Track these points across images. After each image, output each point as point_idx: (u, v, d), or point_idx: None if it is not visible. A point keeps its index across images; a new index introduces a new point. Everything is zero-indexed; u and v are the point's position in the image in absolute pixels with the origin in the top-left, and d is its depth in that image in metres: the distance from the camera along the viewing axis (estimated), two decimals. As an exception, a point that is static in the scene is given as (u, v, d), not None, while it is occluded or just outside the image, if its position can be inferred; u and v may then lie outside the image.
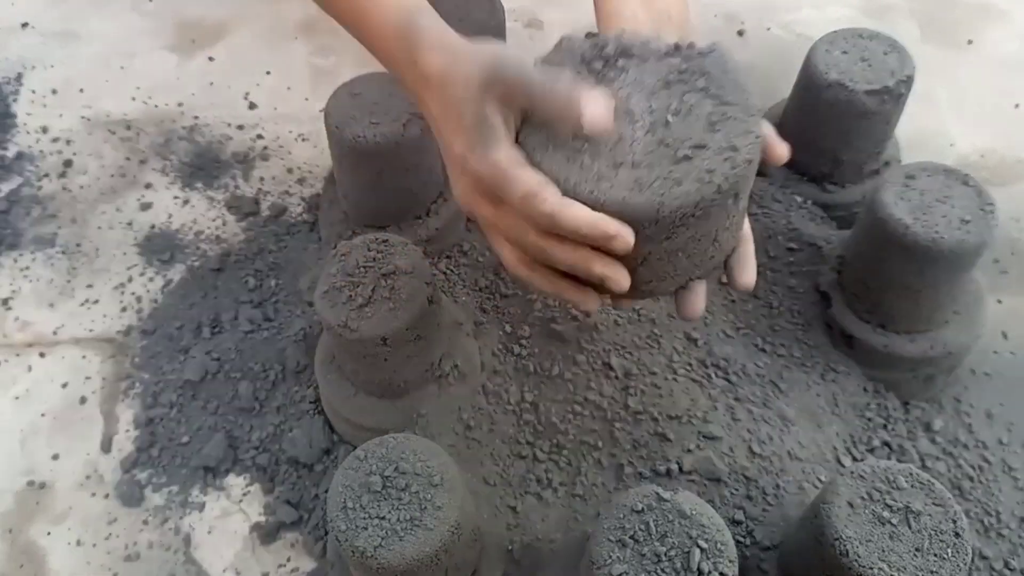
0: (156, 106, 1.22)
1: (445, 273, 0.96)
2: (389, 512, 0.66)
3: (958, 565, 0.64)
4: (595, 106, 0.53)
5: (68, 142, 1.18)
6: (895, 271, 0.82)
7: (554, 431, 0.84)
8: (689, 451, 0.83)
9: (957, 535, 0.65)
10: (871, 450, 0.86)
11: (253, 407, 0.93)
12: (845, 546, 0.65)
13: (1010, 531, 0.82)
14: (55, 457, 0.92)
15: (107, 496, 0.89)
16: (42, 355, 0.99)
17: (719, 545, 0.64)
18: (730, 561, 0.63)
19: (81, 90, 1.23)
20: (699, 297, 0.61)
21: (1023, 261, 1.04)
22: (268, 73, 1.25)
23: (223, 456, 0.90)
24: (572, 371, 0.87)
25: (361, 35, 0.62)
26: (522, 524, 0.80)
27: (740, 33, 1.29)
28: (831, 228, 0.99)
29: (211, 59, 1.27)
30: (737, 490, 0.81)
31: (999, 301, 0.99)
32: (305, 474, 0.88)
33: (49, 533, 0.87)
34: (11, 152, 1.16)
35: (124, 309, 1.02)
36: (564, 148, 0.55)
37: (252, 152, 1.16)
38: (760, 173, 1.05)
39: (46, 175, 1.14)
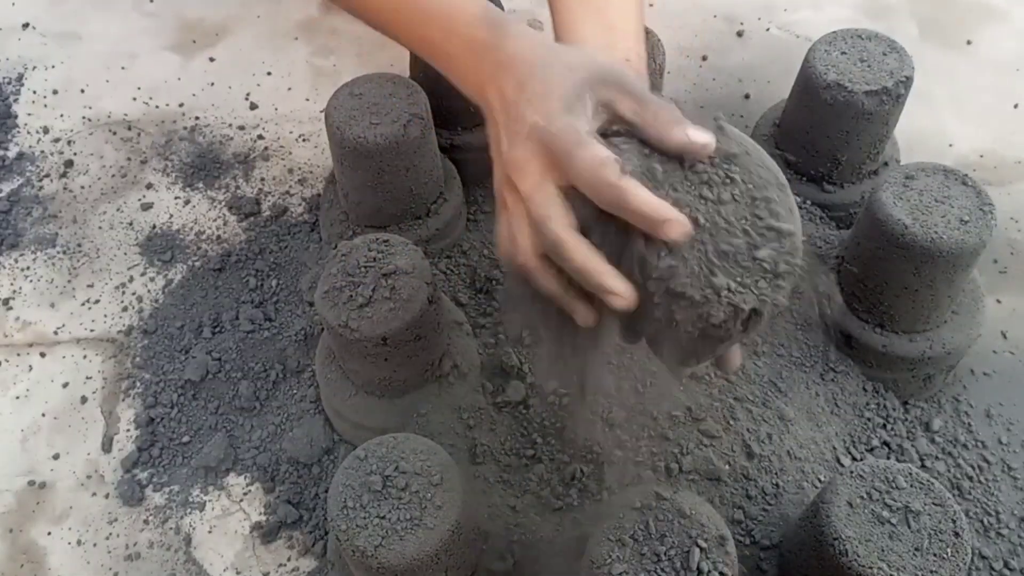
0: (157, 106, 1.22)
1: (445, 273, 0.97)
2: (389, 512, 0.66)
3: (958, 565, 0.64)
4: (702, 133, 0.52)
5: (69, 142, 1.18)
6: (894, 271, 0.82)
7: (554, 431, 0.84)
8: (689, 451, 0.83)
9: (957, 535, 0.65)
10: (871, 450, 0.86)
11: (253, 407, 0.93)
12: (845, 546, 0.65)
13: (1010, 531, 0.83)
14: (55, 457, 0.92)
15: (107, 496, 0.89)
16: (43, 355, 0.99)
17: (719, 544, 0.64)
18: (730, 561, 0.63)
19: (82, 90, 1.23)
20: (735, 355, 0.61)
21: (1022, 261, 1.04)
22: (269, 73, 1.25)
23: (223, 456, 0.90)
24: (572, 371, 0.87)
25: (426, 27, 0.61)
26: (522, 524, 0.80)
27: (739, 33, 1.29)
28: (830, 228, 0.99)
29: (212, 59, 1.27)
30: (736, 490, 0.81)
31: (999, 301, 0.99)
32: (305, 474, 0.89)
33: (49, 533, 0.88)
34: (12, 152, 1.17)
35: (125, 309, 1.02)
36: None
37: (253, 152, 1.16)
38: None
39: (47, 175, 1.14)
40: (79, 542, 0.87)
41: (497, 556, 0.78)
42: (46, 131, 1.19)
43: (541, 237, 0.55)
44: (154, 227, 1.09)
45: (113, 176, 1.14)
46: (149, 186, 1.13)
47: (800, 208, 0.99)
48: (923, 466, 0.85)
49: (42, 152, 1.17)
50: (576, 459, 0.83)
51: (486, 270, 0.97)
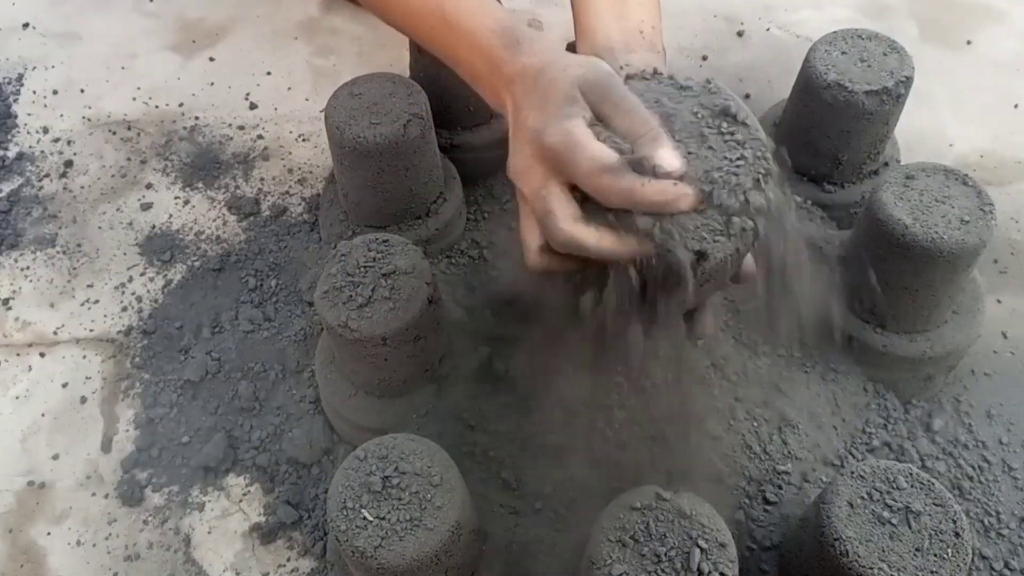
0: (157, 106, 1.22)
1: (445, 273, 0.97)
2: (389, 512, 0.66)
3: (958, 565, 0.64)
4: (673, 159, 0.54)
5: (69, 142, 1.18)
6: (894, 271, 0.82)
7: (554, 431, 0.84)
8: (689, 451, 0.83)
9: (957, 535, 0.65)
10: (871, 450, 0.86)
11: (253, 407, 0.93)
12: (845, 546, 0.65)
13: (1010, 531, 0.82)
14: (55, 457, 0.92)
15: (107, 496, 0.89)
16: (42, 355, 0.99)
17: (719, 545, 0.64)
18: (730, 561, 0.63)
19: (82, 90, 1.23)
20: (707, 319, 0.64)
21: (1022, 261, 1.04)
22: (269, 73, 1.25)
23: (223, 456, 0.90)
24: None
25: (448, 37, 0.65)
26: (522, 524, 0.80)
27: (740, 33, 1.29)
28: (831, 228, 0.99)
29: (212, 59, 1.27)
30: (737, 490, 0.81)
31: (999, 301, 0.99)
32: (305, 474, 0.88)
33: (49, 533, 0.87)
34: (12, 152, 1.17)
35: (124, 309, 1.02)
36: None
37: (253, 152, 1.16)
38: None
39: (47, 175, 1.14)
40: (79, 542, 0.87)
41: (497, 556, 0.78)
42: (46, 131, 1.19)
43: (550, 235, 0.57)
44: (154, 227, 1.09)
45: (113, 176, 1.14)
46: (149, 186, 1.13)
47: (801, 208, 0.99)
48: (924, 466, 0.85)
49: (42, 152, 1.17)
50: (576, 459, 0.83)
51: (486, 271, 0.97)
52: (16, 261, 1.06)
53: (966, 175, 0.83)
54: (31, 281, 1.05)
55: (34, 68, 1.26)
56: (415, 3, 0.65)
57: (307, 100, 1.22)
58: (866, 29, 0.96)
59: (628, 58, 0.68)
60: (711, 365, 0.88)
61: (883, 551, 0.64)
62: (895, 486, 0.67)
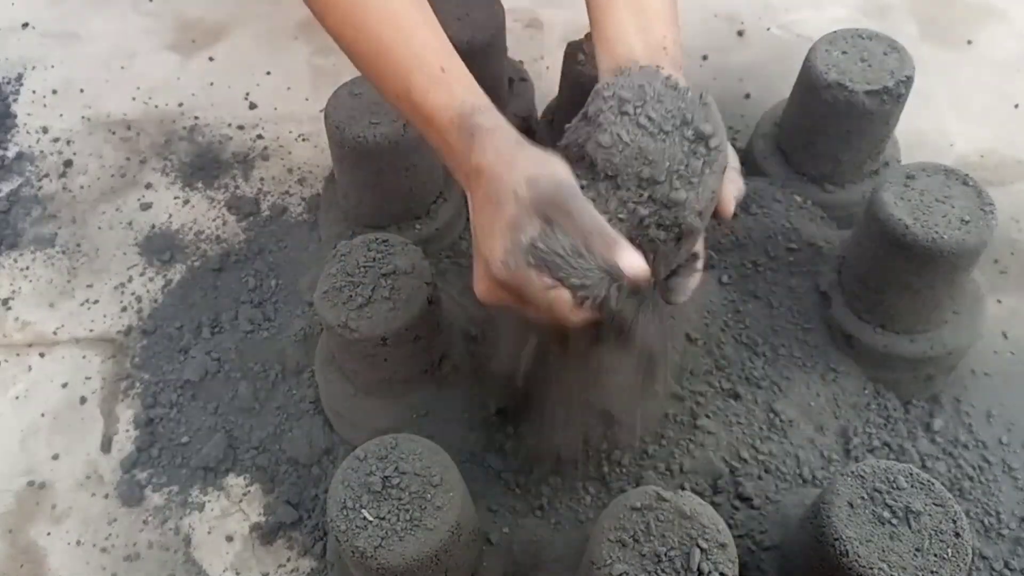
0: (156, 106, 1.22)
1: (445, 273, 0.96)
2: (389, 512, 0.66)
3: (958, 565, 0.64)
4: (633, 259, 0.56)
5: (68, 142, 1.18)
6: (895, 271, 0.82)
7: (554, 431, 0.84)
8: (689, 451, 0.83)
9: (957, 535, 0.65)
10: (871, 450, 0.86)
11: (253, 407, 0.93)
12: (845, 546, 0.65)
13: (1010, 531, 0.82)
14: (55, 457, 0.92)
15: (107, 496, 0.89)
16: (42, 355, 0.99)
17: (719, 545, 0.64)
18: (730, 561, 0.63)
19: (81, 90, 1.23)
20: (688, 282, 0.65)
21: (1023, 261, 1.04)
22: (268, 73, 1.25)
23: (223, 456, 0.90)
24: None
25: (414, 117, 0.65)
26: (522, 524, 0.80)
27: (740, 33, 1.29)
28: (831, 228, 0.99)
29: (211, 59, 1.27)
30: (738, 490, 0.81)
31: (999, 301, 0.99)
32: (305, 474, 0.88)
33: (49, 533, 0.87)
34: (11, 152, 1.16)
35: (124, 309, 1.02)
36: None
37: (252, 152, 1.16)
38: (760, 173, 1.06)
39: (46, 175, 1.14)
40: (79, 542, 0.87)
41: (497, 556, 0.78)
42: (46, 131, 1.19)
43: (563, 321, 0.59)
44: (153, 227, 1.09)
45: (112, 176, 1.14)
46: (148, 186, 1.13)
47: (801, 208, 0.99)
48: (924, 466, 0.85)
49: (42, 152, 1.17)
50: (577, 460, 0.83)
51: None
52: (16, 261, 1.06)
53: (966, 175, 0.83)
54: (31, 281, 1.05)
55: (34, 68, 1.26)
56: (388, 83, 0.65)
57: (307, 100, 1.22)
58: (866, 29, 0.96)
59: None
60: (712, 364, 0.88)
61: (883, 551, 0.64)
62: (895, 486, 0.67)
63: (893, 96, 0.91)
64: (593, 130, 0.60)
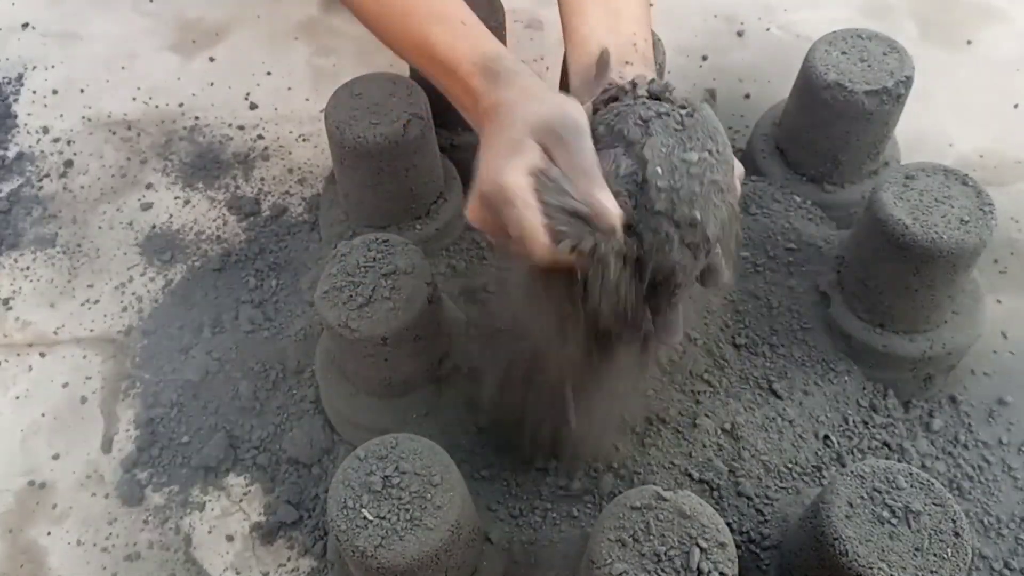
0: (157, 106, 1.22)
1: (445, 273, 0.97)
2: (389, 512, 0.66)
3: (958, 565, 0.64)
4: (608, 202, 0.55)
5: (69, 142, 1.18)
6: (894, 271, 0.82)
7: (553, 431, 0.84)
8: (689, 451, 0.83)
9: (957, 535, 0.65)
10: (871, 450, 0.86)
11: (253, 407, 0.93)
12: (845, 546, 0.65)
13: (1010, 531, 0.83)
14: (55, 457, 0.92)
15: (107, 496, 0.89)
16: (42, 355, 0.99)
17: (719, 545, 0.64)
18: (730, 561, 0.63)
19: (82, 90, 1.23)
20: (677, 324, 0.64)
21: (1022, 261, 1.04)
22: (269, 73, 1.25)
23: (223, 456, 0.90)
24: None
25: (431, 67, 0.66)
26: (522, 524, 0.80)
27: (739, 33, 1.29)
28: (831, 228, 0.99)
29: (212, 59, 1.27)
30: (737, 490, 0.81)
31: (999, 301, 0.99)
32: (305, 474, 0.88)
33: (49, 533, 0.87)
34: (12, 152, 1.17)
35: (125, 309, 1.02)
36: None
37: (253, 152, 1.16)
38: (759, 173, 1.06)
39: (47, 175, 1.14)
40: (79, 542, 0.87)
41: (497, 556, 0.78)
42: (46, 131, 1.19)
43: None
44: (154, 227, 1.09)
45: (113, 176, 1.14)
46: (149, 186, 1.13)
47: (801, 208, 0.99)
48: (923, 466, 0.85)
49: (42, 152, 1.17)
50: (577, 461, 0.83)
51: (484, 272, 0.97)
52: (16, 261, 1.06)
53: (966, 175, 0.83)
54: (31, 281, 1.05)
55: (34, 68, 1.26)
56: (404, 35, 0.67)
57: (307, 100, 1.22)
58: (866, 29, 0.96)
59: (623, 70, 0.68)
60: (712, 364, 0.88)
61: (883, 551, 0.65)
62: (895, 486, 0.67)
63: (893, 96, 0.91)
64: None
